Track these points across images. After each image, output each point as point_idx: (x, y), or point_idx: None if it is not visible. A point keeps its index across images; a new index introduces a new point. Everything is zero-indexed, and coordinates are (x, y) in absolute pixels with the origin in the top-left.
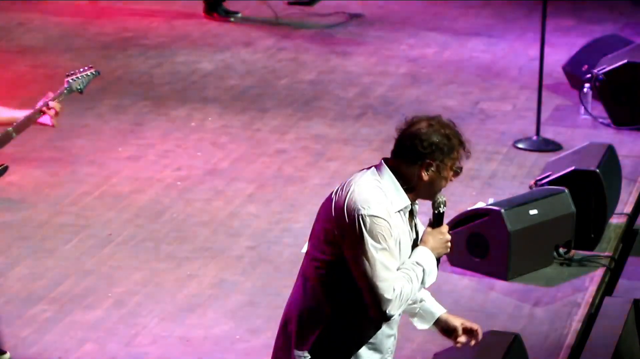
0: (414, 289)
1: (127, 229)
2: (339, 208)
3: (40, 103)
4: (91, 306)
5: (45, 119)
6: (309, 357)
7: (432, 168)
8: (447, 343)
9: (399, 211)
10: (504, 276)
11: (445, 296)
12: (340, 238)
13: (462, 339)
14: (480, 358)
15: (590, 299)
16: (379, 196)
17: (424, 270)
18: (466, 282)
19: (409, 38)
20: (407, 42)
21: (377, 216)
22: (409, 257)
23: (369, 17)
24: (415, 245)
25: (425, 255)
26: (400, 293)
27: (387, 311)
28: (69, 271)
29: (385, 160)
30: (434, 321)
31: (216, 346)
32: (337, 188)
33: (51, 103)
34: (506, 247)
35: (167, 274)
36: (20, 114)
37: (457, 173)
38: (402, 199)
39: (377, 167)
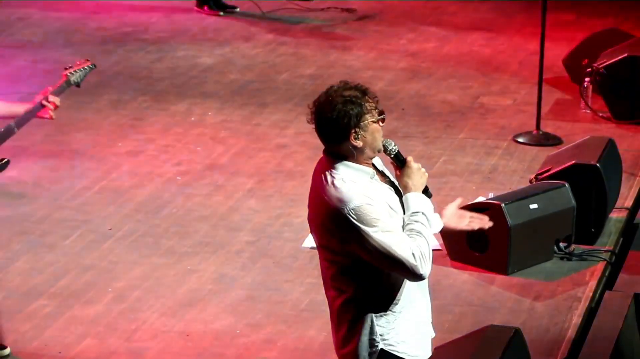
0: (427, 237)
1: (127, 224)
2: (326, 221)
3: (39, 97)
4: (91, 301)
5: (44, 112)
6: (354, 346)
7: (360, 134)
8: (447, 338)
9: (371, 181)
10: (504, 271)
11: (446, 290)
12: (347, 244)
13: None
14: (481, 352)
15: (591, 294)
16: (345, 188)
17: (423, 213)
18: (466, 277)
19: (409, 32)
20: (407, 36)
21: (358, 206)
22: (404, 212)
23: (368, 12)
24: (400, 194)
25: (415, 199)
26: (421, 253)
27: (421, 274)
28: (69, 266)
29: (325, 152)
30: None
31: (216, 340)
32: (308, 200)
33: (51, 97)
34: (506, 241)
35: (167, 269)
36: (20, 108)
37: (382, 120)
38: (364, 171)
39: (325, 166)
